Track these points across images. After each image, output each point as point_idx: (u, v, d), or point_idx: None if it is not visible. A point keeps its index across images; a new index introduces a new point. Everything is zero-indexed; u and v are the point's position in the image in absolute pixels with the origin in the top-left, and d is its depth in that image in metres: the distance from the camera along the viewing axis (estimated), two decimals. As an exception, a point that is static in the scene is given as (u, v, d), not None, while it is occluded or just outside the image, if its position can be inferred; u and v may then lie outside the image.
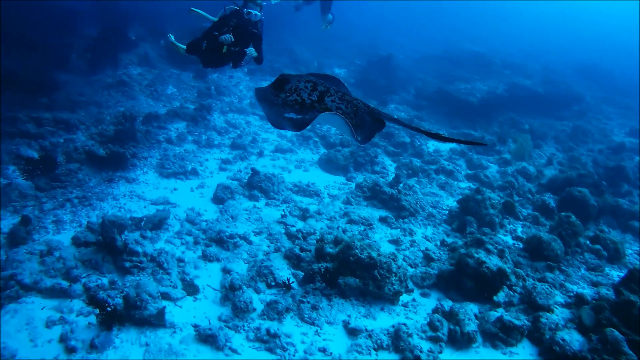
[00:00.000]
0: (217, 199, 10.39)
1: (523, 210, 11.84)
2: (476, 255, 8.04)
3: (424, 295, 8.02)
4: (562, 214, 10.50)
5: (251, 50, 8.12)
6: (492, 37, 46.58)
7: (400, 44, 37.81)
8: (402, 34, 44.06)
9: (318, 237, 8.56)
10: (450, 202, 11.83)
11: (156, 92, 16.04)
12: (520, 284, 8.37)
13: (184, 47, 8.34)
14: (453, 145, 16.60)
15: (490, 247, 9.09)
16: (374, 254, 7.51)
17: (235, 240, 8.61)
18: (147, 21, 24.07)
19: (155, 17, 24.81)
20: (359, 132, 4.10)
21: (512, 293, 8.10)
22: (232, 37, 7.73)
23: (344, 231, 9.54)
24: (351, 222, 9.99)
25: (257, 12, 7.81)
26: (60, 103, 14.19)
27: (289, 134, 15.06)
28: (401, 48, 35.81)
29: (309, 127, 4.04)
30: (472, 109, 19.91)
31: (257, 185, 10.86)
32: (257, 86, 19.76)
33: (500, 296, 7.98)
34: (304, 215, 10.06)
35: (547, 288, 8.01)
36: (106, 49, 17.24)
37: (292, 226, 9.47)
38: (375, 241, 9.31)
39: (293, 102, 4.13)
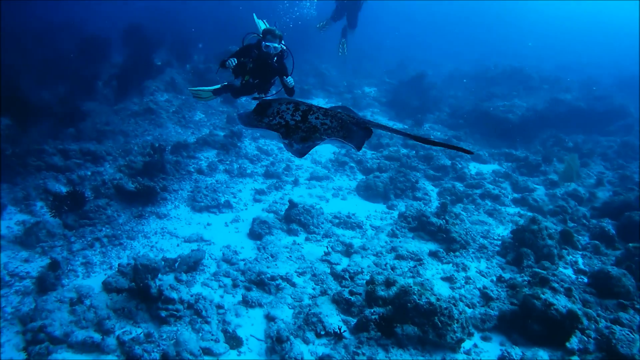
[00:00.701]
0: (254, 235, 9.89)
1: (580, 238, 11.05)
2: (543, 297, 7.35)
3: (485, 339, 7.34)
4: (631, 245, 9.71)
5: (290, 80, 7.56)
6: (522, 50, 45.61)
7: (428, 61, 37.30)
8: (429, 51, 43.63)
9: (367, 279, 7.98)
10: (501, 231, 11.13)
11: (184, 118, 15.77)
12: (593, 326, 7.61)
13: (209, 89, 7.91)
14: (495, 166, 15.91)
15: (555, 285, 8.34)
16: (433, 299, 6.87)
17: (277, 282, 8.06)
18: (172, 46, 24.08)
19: (179, 42, 24.78)
20: (349, 142, 4.16)
21: (585, 338, 7.33)
22: (234, 60, 7.18)
23: (393, 268, 8.92)
24: (399, 257, 9.36)
25: (275, 45, 7.19)
26: (87, 133, 14.01)
27: (324, 159, 14.60)
28: (429, 64, 35.25)
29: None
30: (512, 127, 19.16)
31: (295, 219, 10.35)
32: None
33: (573, 342, 7.23)
34: (348, 250, 9.48)
35: (628, 334, 7.24)
36: (132, 76, 17.13)
37: (337, 264, 8.90)
38: (427, 279, 8.65)
39: (277, 125, 4.21)
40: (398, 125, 19.42)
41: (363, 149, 16.02)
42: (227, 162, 13.30)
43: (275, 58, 7.36)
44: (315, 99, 21.46)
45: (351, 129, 4.32)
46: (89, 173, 11.80)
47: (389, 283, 7.75)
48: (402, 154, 15.24)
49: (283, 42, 7.46)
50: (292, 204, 10.57)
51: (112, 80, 17.77)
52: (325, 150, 15.38)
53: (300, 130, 4.19)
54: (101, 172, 11.79)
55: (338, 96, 22.43)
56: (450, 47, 47.13)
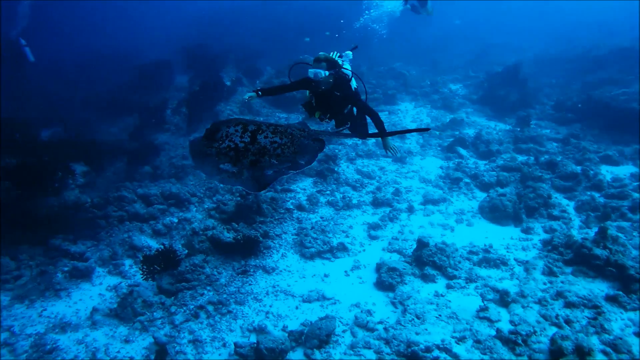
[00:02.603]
0: (384, 285, 8.58)
1: None
2: None
3: None
4: None
5: (363, 106, 6.17)
6: (618, 26, 41.07)
7: (506, 45, 34.61)
8: (501, 32, 40.61)
9: (549, 345, 6.46)
10: (683, 254, 9.22)
11: (267, 143, 14.71)
12: None
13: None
14: (631, 168, 13.78)
15: None
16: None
17: (434, 354, 6.67)
18: (238, 61, 23.32)
19: (245, 56, 24.01)
20: (300, 158, 4.26)
21: None
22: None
23: (568, 322, 7.33)
24: (570, 306, 7.74)
25: (319, 71, 5.73)
26: (164, 170, 13.27)
27: (432, 176, 13.14)
28: (510, 50, 32.79)
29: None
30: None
31: (428, 261, 8.95)
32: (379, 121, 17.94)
33: None
34: (504, 299, 7.95)
35: None
36: (202, 100, 16.28)
37: (498, 320, 7.41)
38: (621, 338, 6.98)
39: (227, 149, 4.21)
40: (500, 126, 17.61)
41: (474, 159, 14.49)
42: (328, 192, 12.07)
43: (335, 84, 5.91)
44: (402, 103, 19.99)
45: (302, 143, 4.43)
46: (175, 220, 10.91)
47: (581, 352, 6.21)
48: (520, 162, 13.50)
49: (346, 64, 6.21)
50: (422, 244, 9.19)
51: (181, 106, 17.06)
52: (431, 165, 13.93)
53: (250, 152, 4.19)
54: (189, 218, 10.86)
55: (425, 98, 20.85)
56: (523, 26, 43.77)
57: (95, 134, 16.05)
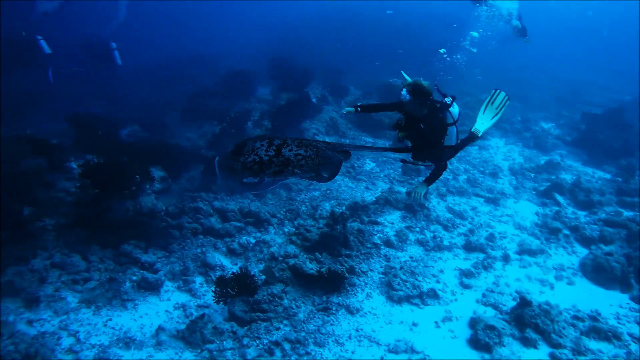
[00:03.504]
0: (479, 344, 7.70)
1: None
2: None
3: None
4: None
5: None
6: None
7: (592, 83, 32.70)
8: (589, 68, 38.67)
9: None
10: None
11: (353, 169, 14.05)
12: None
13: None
14: None
15: None
16: None
17: None
18: (324, 77, 22.93)
19: (330, 73, 23.59)
20: (324, 169, 4.41)
21: None
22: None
23: None
24: None
25: (403, 92, 5.92)
26: (243, 186, 12.77)
27: (527, 223, 12.12)
28: (598, 89, 31.02)
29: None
30: None
31: (530, 322, 8.02)
32: (476, 154, 17.64)
33: None
34: (627, 384, 6.89)
35: None
36: (287, 115, 15.89)
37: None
38: None
39: (252, 163, 4.31)
40: (598, 173, 16.33)
41: (572, 208, 13.33)
42: (417, 229, 11.25)
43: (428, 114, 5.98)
44: (492, 139, 18.96)
45: (327, 155, 4.53)
46: (253, 241, 10.39)
47: None
48: (627, 217, 12.23)
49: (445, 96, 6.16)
50: (524, 301, 8.27)
51: (264, 119, 16.73)
52: (526, 210, 12.92)
53: (274, 164, 4.29)
54: (267, 241, 10.31)
55: (516, 135, 19.76)
56: (608, 66, 41.44)
57: (173, 137, 15.98)
